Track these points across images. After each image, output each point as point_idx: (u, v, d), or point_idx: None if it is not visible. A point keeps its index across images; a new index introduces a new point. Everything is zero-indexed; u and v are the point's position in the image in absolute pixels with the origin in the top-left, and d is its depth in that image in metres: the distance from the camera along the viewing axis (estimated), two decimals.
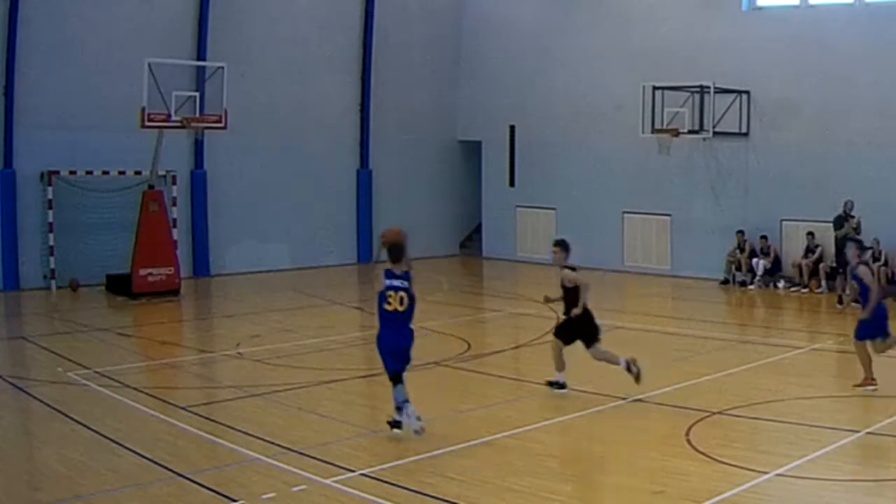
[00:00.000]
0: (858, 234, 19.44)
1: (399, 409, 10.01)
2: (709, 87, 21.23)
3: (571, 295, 11.67)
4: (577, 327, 11.67)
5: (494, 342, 16.43)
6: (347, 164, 26.64)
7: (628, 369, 11.61)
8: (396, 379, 9.99)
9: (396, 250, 10.04)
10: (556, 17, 26.24)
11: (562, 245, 11.94)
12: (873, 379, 11.79)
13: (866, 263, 12.71)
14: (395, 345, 9.98)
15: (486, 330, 18.13)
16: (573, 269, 11.75)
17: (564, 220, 25.99)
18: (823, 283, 20.78)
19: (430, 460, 9.31)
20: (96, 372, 13.13)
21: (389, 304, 9.93)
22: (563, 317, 11.98)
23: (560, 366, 11.83)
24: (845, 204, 19.73)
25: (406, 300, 9.93)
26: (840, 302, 19.01)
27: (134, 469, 9.08)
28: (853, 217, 19.55)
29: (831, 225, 20.07)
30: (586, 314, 11.63)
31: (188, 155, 23.39)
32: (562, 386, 11.82)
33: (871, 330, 11.88)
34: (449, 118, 28.58)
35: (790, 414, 10.62)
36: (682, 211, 23.69)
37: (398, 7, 27.08)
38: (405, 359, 10.09)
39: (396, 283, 9.96)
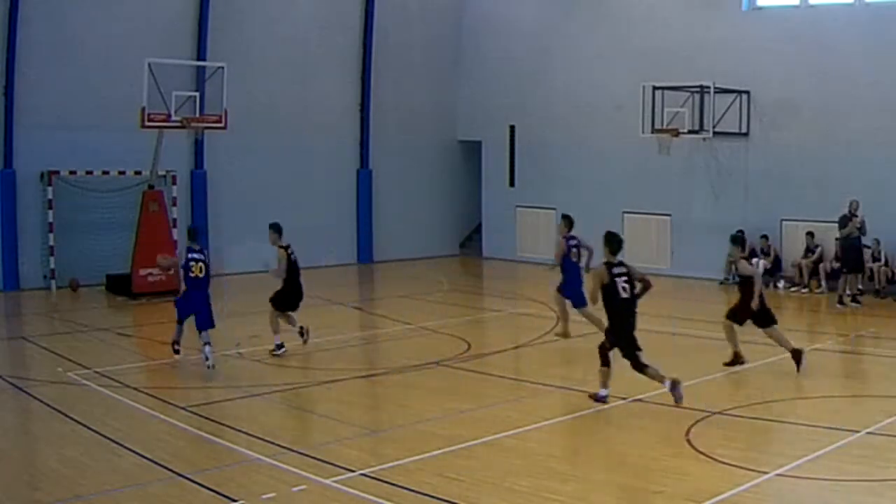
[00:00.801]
0: (863, 233, 19.40)
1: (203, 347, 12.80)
2: (709, 87, 21.21)
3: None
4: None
5: (494, 342, 16.41)
6: (347, 164, 26.64)
7: (300, 333, 14.50)
8: (180, 322, 13.31)
9: (194, 233, 13.47)
10: (556, 17, 26.23)
11: (273, 228, 14.32)
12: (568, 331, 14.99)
13: (571, 237, 15.16)
14: (198, 303, 12.98)
15: (486, 330, 18.11)
16: (286, 248, 14.16)
17: None
18: (823, 283, 20.77)
19: (430, 460, 9.31)
20: (96, 372, 13.13)
21: (193, 272, 12.91)
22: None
23: (276, 329, 14.30)
24: (850, 204, 19.65)
25: (204, 268, 13.01)
26: (840, 302, 19.03)
27: (134, 469, 9.08)
28: (857, 216, 19.53)
29: (836, 224, 19.99)
30: (284, 288, 14.28)
31: (188, 155, 23.40)
32: (281, 346, 14.20)
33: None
34: (449, 118, 28.56)
35: (790, 414, 10.60)
36: (682, 211, 23.67)
37: (398, 7, 27.07)
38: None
39: (196, 255, 13.04)
